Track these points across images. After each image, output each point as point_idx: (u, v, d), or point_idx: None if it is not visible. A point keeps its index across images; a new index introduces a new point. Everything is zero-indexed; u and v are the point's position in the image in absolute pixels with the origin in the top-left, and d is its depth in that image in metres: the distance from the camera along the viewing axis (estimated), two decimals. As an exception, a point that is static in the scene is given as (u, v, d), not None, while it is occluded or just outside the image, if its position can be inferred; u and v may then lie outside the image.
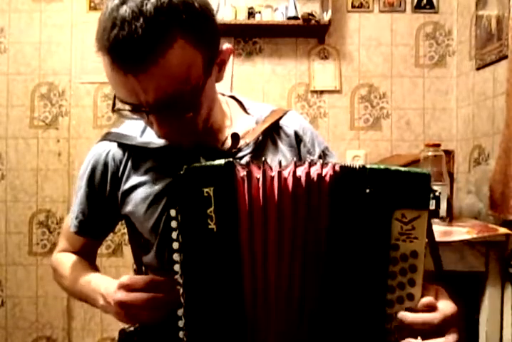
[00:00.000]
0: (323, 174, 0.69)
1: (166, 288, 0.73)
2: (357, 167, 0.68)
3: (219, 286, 0.69)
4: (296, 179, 0.69)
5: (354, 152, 2.40)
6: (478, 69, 2.12)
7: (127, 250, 2.35)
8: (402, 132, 2.41)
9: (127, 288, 0.75)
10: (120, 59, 0.68)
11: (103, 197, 0.92)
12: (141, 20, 0.66)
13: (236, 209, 0.68)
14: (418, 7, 2.40)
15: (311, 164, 0.71)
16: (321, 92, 2.42)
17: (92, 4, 2.41)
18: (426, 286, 0.70)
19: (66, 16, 2.41)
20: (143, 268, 0.94)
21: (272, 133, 0.95)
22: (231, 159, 0.69)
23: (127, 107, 0.75)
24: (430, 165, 1.63)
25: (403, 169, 0.68)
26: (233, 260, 0.68)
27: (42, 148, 2.41)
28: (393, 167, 0.68)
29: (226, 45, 0.81)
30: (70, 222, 0.97)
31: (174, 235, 0.71)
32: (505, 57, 1.79)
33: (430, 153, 1.65)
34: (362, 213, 0.67)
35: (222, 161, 0.69)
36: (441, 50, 2.41)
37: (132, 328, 0.90)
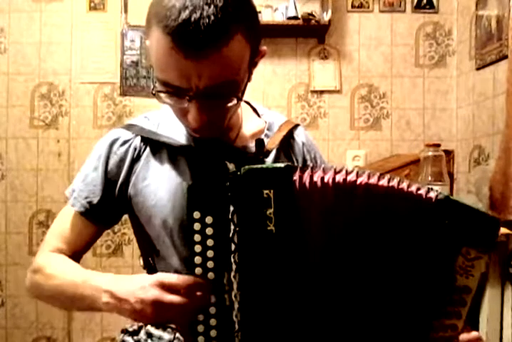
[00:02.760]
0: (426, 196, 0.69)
1: (202, 291, 0.71)
2: (442, 197, 0.69)
3: (278, 287, 0.69)
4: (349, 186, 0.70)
5: (354, 152, 2.40)
6: (478, 69, 2.12)
7: (127, 250, 2.35)
8: (402, 132, 2.41)
9: (167, 287, 0.71)
10: (186, 41, 0.68)
11: (116, 183, 0.90)
12: (212, 7, 0.68)
13: (295, 212, 0.68)
14: (418, 7, 2.41)
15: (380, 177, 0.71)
16: (321, 92, 2.42)
17: (92, 4, 2.41)
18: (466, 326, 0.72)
19: (66, 16, 2.41)
20: (152, 263, 0.93)
21: (286, 144, 0.97)
22: (289, 163, 0.71)
23: (168, 90, 0.75)
24: (430, 165, 1.63)
25: (480, 209, 0.71)
26: (292, 263, 0.68)
27: (42, 148, 2.41)
28: (472, 205, 0.70)
29: (263, 47, 0.83)
30: (73, 202, 0.91)
31: (197, 238, 0.71)
32: (505, 57, 1.79)
33: (430, 153, 1.64)
34: (436, 241, 0.69)
35: (281, 164, 0.70)
36: (441, 50, 2.41)
37: (135, 327, 0.89)
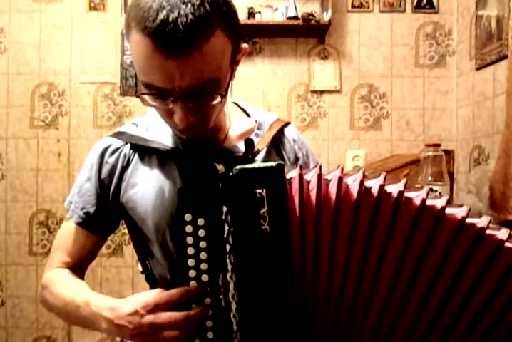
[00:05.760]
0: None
1: (193, 301, 0.70)
2: None
3: (275, 286, 0.68)
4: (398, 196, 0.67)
5: (354, 152, 2.40)
6: (478, 69, 2.12)
7: (127, 250, 2.35)
8: (402, 132, 2.41)
9: (157, 308, 0.70)
10: (166, 41, 0.68)
11: (109, 190, 0.91)
12: (189, 5, 0.68)
13: (288, 210, 0.68)
14: (418, 7, 2.41)
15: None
16: (321, 92, 2.42)
17: (92, 4, 2.41)
18: None
19: (66, 16, 2.41)
20: (149, 266, 0.94)
21: (277, 142, 0.97)
22: (281, 162, 0.70)
23: (152, 92, 0.75)
24: (430, 165, 1.63)
25: None
26: (286, 261, 0.68)
27: (42, 148, 2.41)
28: None
29: (243, 45, 0.83)
30: (71, 214, 0.92)
31: (189, 240, 0.70)
32: (505, 57, 1.79)
33: (430, 153, 1.64)
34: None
35: (273, 163, 0.69)
36: (441, 50, 2.41)
37: None
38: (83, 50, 2.40)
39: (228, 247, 0.69)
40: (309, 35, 2.38)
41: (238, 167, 0.69)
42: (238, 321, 0.69)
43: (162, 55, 0.69)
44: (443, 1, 2.40)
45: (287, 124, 1.02)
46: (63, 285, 0.87)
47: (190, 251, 0.70)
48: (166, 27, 0.68)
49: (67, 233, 0.93)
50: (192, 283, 0.71)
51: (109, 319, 0.73)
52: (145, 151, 0.90)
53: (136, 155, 0.90)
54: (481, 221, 0.66)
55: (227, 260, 0.69)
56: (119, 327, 0.72)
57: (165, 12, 0.68)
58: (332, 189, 0.68)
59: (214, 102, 0.76)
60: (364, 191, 0.67)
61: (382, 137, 2.42)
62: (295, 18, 2.27)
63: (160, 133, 0.91)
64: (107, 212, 0.92)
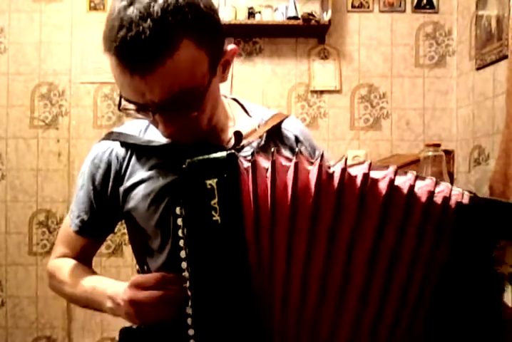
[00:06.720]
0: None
1: (177, 285, 0.72)
2: (466, 201, 0.67)
3: (226, 278, 0.68)
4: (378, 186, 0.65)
5: (354, 152, 2.40)
6: (478, 69, 2.12)
7: (127, 250, 2.35)
8: (402, 132, 2.41)
9: (139, 286, 0.75)
10: (127, 60, 0.69)
11: (105, 195, 0.92)
12: (148, 21, 0.67)
13: (240, 200, 0.67)
14: (418, 7, 2.41)
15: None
16: (321, 92, 2.42)
17: (92, 4, 2.41)
18: None
19: (66, 16, 2.41)
20: (145, 267, 0.94)
21: (274, 137, 0.95)
22: (233, 151, 0.69)
23: (133, 106, 0.76)
24: (430, 165, 1.63)
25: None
26: (239, 251, 0.67)
27: (42, 148, 2.41)
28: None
29: (230, 46, 0.81)
30: (70, 222, 0.95)
31: (180, 233, 0.71)
32: (505, 57, 1.79)
33: (430, 153, 1.64)
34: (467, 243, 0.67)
35: (224, 153, 0.68)
36: (441, 50, 2.41)
37: (134, 326, 0.89)
38: (83, 50, 2.40)
39: (183, 240, 0.70)
40: (309, 35, 2.39)
41: (191, 159, 0.69)
42: (193, 314, 0.69)
43: (127, 73, 0.70)
44: (443, 1, 2.40)
45: (285, 119, 0.99)
46: (68, 272, 0.92)
47: (182, 243, 0.71)
48: (126, 46, 0.68)
49: (68, 229, 0.96)
50: (185, 274, 0.71)
51: (111, 297, 0.79)
52: (142, 151, 0.90)
53: (132, 155, 0.90)
54: (443, 190, 0.66)
55: (183, 252, 0.70)
56: (117, 305, 0.77)
57: (124, 30, 0.68)
58: (290, 176, 0.66)
59: (192, 113, 0.76)
60: (326, 176, 0.65)
61: (382, 137, 2.42)
62: (295, 18, 2.27)
63: (159, 133, 0.91)
64: (102, 217, 0.94)
